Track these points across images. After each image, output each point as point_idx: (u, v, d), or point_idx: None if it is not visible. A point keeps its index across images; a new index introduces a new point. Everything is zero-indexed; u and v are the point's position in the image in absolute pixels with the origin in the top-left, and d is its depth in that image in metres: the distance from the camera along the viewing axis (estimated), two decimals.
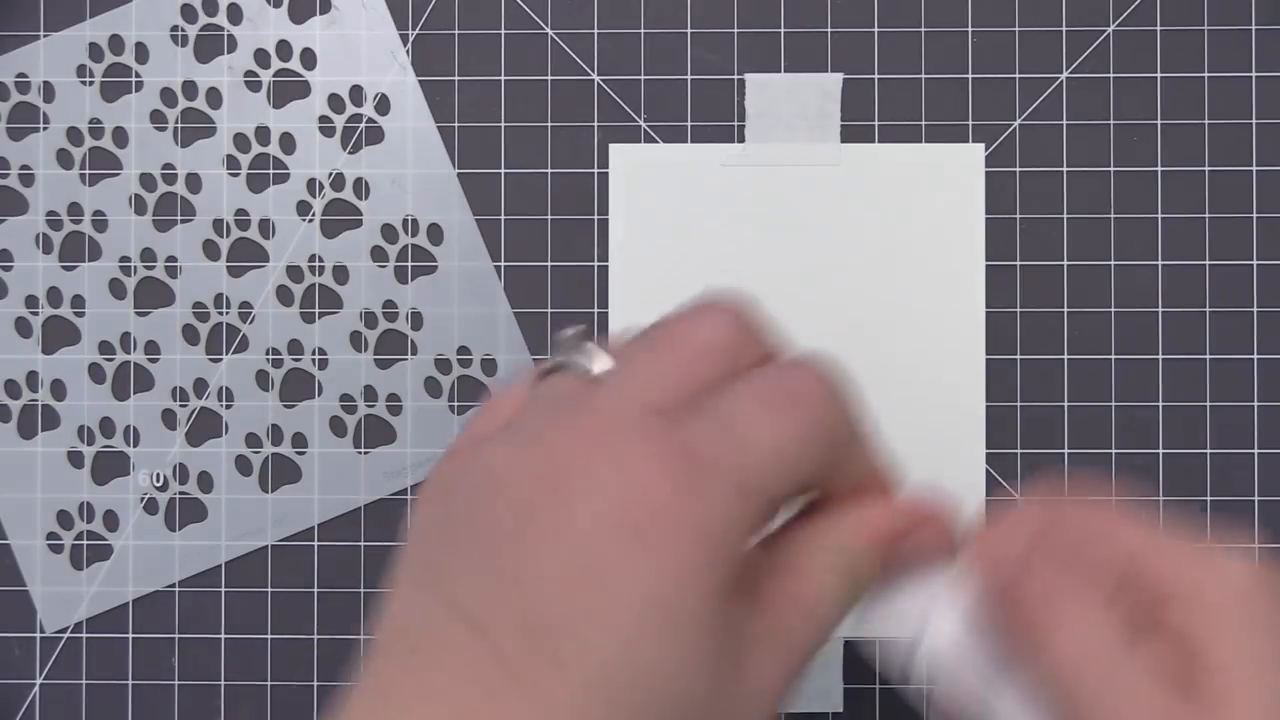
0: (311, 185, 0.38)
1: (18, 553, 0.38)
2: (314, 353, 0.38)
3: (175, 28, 0.39)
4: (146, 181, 0.39)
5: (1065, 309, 0.38)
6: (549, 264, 0.38)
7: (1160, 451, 0.37)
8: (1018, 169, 0.38)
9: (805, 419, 0.22)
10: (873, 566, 0.25)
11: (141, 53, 0.39)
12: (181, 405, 0.38)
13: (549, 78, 0.38)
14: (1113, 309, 0.38)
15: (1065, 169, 0.38)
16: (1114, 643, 0.23)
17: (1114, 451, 0.37)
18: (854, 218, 0.38)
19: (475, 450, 0.23)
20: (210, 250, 0.38)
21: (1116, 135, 0.38)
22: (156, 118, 0.39)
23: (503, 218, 0.38)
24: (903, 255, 0.37)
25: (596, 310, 0.38)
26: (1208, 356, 0.37)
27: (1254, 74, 0.38)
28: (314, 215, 0.38)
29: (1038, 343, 0.38)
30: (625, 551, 0.21)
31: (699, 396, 0.22)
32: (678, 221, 0.38)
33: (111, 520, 0.38)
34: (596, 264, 0.38)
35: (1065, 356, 0.38)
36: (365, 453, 0.38)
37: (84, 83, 0.39)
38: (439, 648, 0.21)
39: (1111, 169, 0.38)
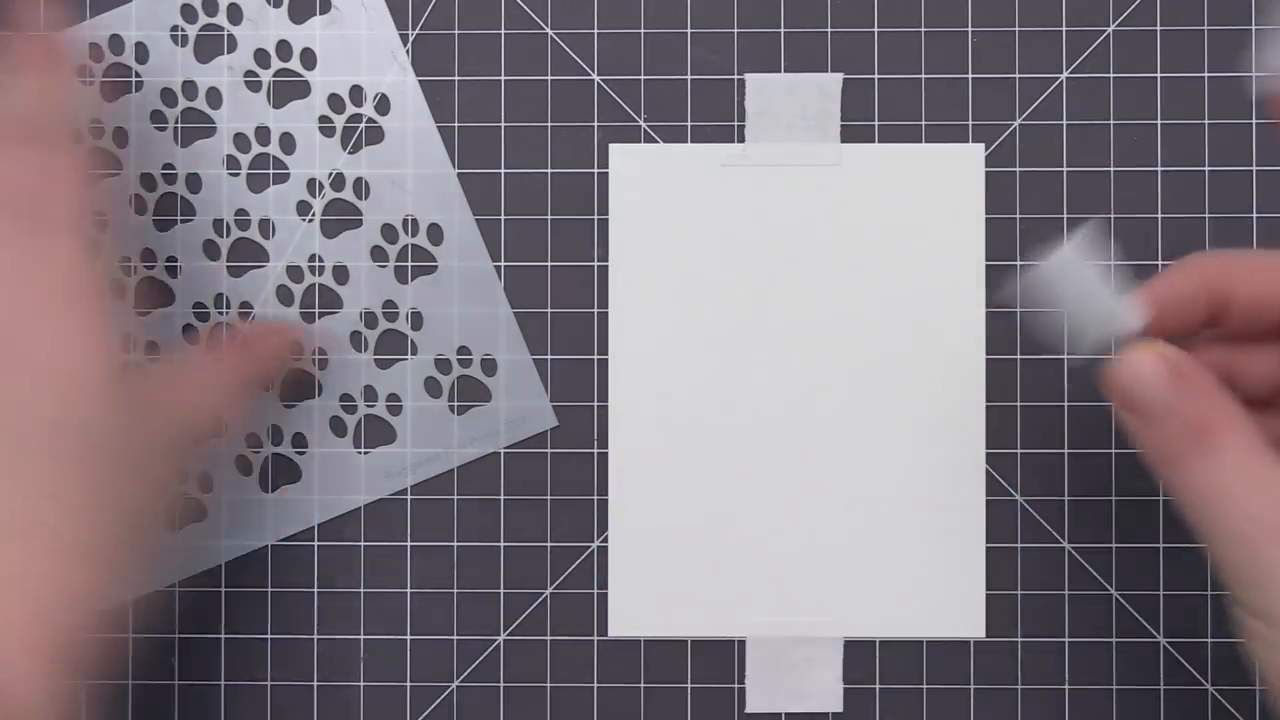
0: (311, 185, 0.38)
1: None
2: (314, 353, 0.38)
3: (175, 28, 0.39)
4: (146, 181, 0.39)
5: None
6: (549, 264, 0.38)
7: None
8: (1018, 169, 0.38)
9: None
10: None
11: (141, 53, 0.39)
12: None
13: (549, 78, 0.38)
14: None
15: (1065, 169, 0.38)
16: None
17: (1114, 451, 0.37)
18: (854, 217, 0.38)
19: None
20: (210, 250, 0.38)
21: (1116, 135, 0.38)
22: (156, 118, 0.39)
23: (503, 218, 0.38)
24: (903, 255, 0.37)
25: (596, 310, 0.38)
26: None
27: (1253, 74, 0.38)
28: (314, 215, 0.38)
29: (1038, 343, 0.38)
30: None
31: None
32: (678, 221, 0.38)
33: None
34: (596, 264, 0.38)
35: (1065, 357, 0.37)
36: (365, 453, 0.38)
37: (84, 83, 0.39)
38: None
39: (1111, 169, 0.38)
